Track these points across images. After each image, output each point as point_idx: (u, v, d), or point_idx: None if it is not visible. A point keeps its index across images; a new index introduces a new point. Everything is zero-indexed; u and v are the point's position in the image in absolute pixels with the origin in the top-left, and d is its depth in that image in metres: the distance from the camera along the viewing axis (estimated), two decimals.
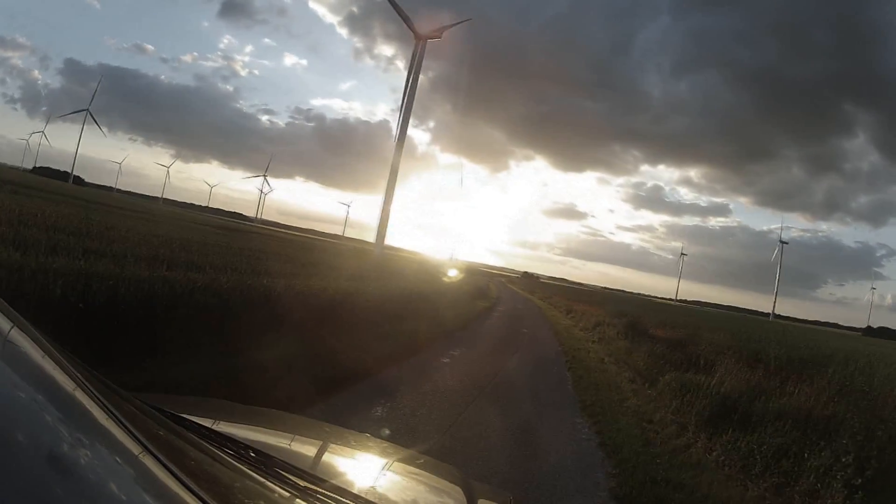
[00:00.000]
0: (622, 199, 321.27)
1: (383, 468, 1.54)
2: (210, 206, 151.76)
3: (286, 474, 0.98)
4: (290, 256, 17.13)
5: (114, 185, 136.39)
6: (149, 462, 0.63)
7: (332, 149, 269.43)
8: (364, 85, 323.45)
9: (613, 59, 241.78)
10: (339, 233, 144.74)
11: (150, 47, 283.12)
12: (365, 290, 10.69)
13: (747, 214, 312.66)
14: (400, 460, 1.67)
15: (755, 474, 5.10)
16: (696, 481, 4.86)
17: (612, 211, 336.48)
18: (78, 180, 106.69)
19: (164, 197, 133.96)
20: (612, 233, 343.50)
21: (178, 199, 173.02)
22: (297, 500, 0.93)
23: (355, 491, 1.14)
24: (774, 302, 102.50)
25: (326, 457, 1.52)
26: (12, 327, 0.67)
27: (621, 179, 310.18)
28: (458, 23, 27.96)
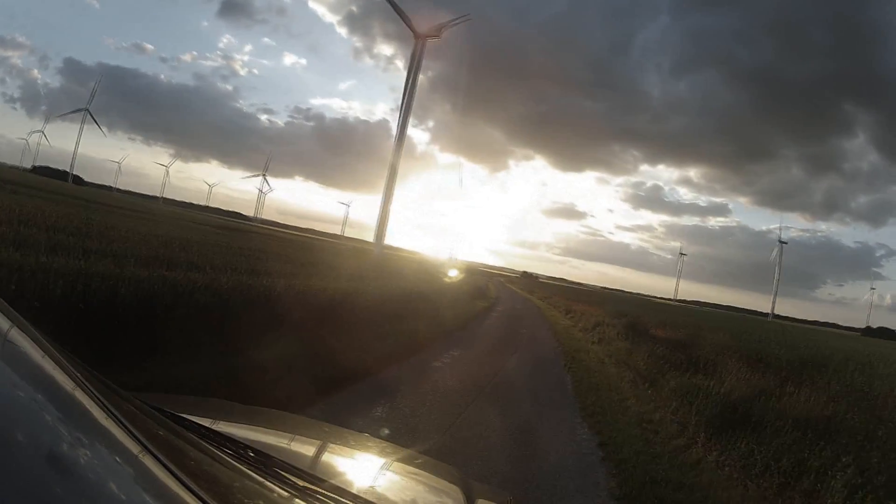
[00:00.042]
0: (621, 198, 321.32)
1: (382, 468, 1.54)
2: (209, 205, 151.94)
3: (285, 474, 0.98)
4: (290, 256, 17.13)
5: (113, 185, 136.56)
6: (148, 462, 0.64)
7: (331, 148, 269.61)
8: (363, 84, 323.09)
9: (613, 58, 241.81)
10: (339, 232, 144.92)
11: (149, 47, 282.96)
12: (364, 290, 10.69)
13: (746, 214, 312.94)
14: (399, 460, 1.67)
15: (755, 474, 5.03)
16: (697, 481, 4.84)
17: (611, 211, 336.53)
18: (77, 180, 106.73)
19: (163, 196, 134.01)
20: (611, 232, 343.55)
21: (178, 199, 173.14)
22: (297, 499, 0.94)
23: (354, 491, 1.14)
24: (773, 302, 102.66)
25: (325, 456, 1.52)
26: (12, 327, 0.67)
27: (620, 179, 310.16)
28: (457, 20, 27.95)
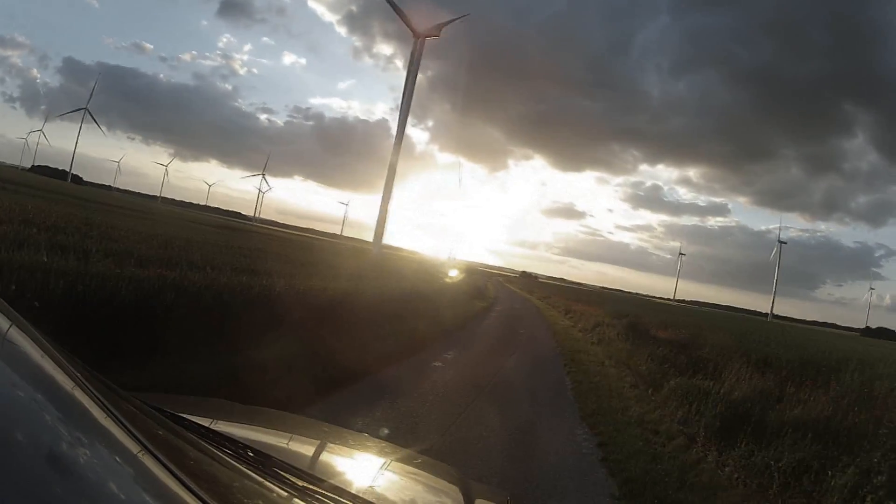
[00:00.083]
0: (621, 198, 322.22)
1: (381, 468, 1.54)
2: (209, 205, 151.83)
3: (285, 474, 0.98)
4: (289, 256, 17.11)
5: (112, 184, 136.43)
6: (148, 461, 0.64)
7: (330, 148, 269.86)
8: (363, 84, 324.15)
9: (612, 58, 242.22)
10: (338, 232, 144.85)
11: (148, 46, 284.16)
12: (363, 290, 10.68)
13: (746, 214, 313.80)
14: (398, 460, 1.67)
15: (773, 493, 4.72)
16: (697, 481, 4.76)
17: (610, 210, 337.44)
18: (76, 179, 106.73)
19: (162, 196, 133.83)
20: (610, 232, 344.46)
21: (177, 198, 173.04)
22: (296, 499, 0.94)
23: (353, 490, 1.14)
24: (773, 302, 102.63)
25: (325, 456, 1.52)
26: (12, 327, 0.67)
27: (620, 179, 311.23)
28: (457, 18, 27.89)
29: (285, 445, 1.50)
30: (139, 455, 0.64)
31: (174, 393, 3.73)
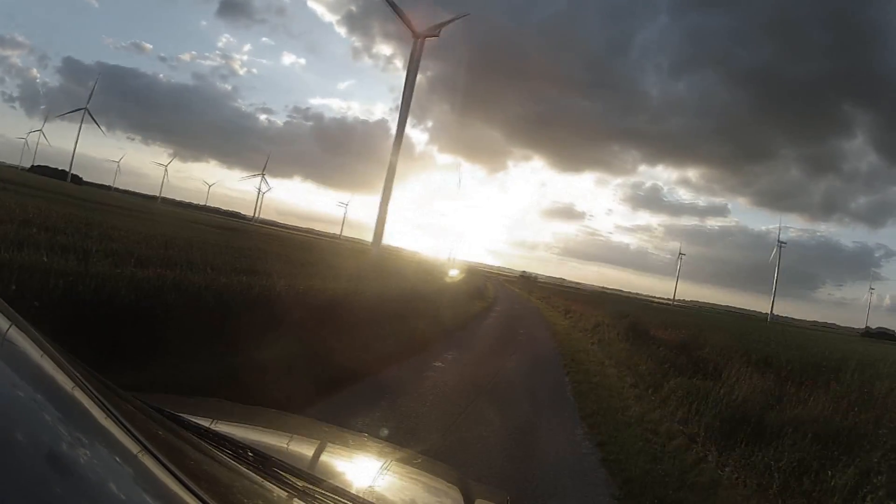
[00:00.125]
0: (620, 199, 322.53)
1: (381, 468, 1.54)
2: (208, 205, 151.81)
3: (284, 474, 0.98)
4: (289, 256, 17.13)
5: (112, 184, 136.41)
6: (148, 462, 0.64)
7: (330, 148, 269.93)
8: (362, 84, 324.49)
9: (611, 58, 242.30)
10: (338, 232, 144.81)
11: (148, 46, 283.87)
12: (363, 291, 10.68)
13: (745, 215, 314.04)
14: (398, 460, 1.67)
15: (774, 493, 4.70)
16: (697, 480, 4.75)
17: (610, 211, 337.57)
18: (76, 179, 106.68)
19: (162, 196, 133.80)
20: (610, 233, 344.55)
21: (177, 199, 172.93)
22: (296, 500, 0.94)
23: (353, 491, 1.14)
24: (773, 303, 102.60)
25: (324, 457, 1.52)
26: (12, 327, 0.67)
27: (619, 180, 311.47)
28: (456, 18, 27.89)
29: (285, 446, 1.50)
30: (139, 455, 0.64)
31: (174, 393, 3.74)
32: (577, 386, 8.41)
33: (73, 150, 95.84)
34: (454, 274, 29.57)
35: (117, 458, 0.62)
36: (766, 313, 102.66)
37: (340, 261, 19.55)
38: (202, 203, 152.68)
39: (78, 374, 0.68)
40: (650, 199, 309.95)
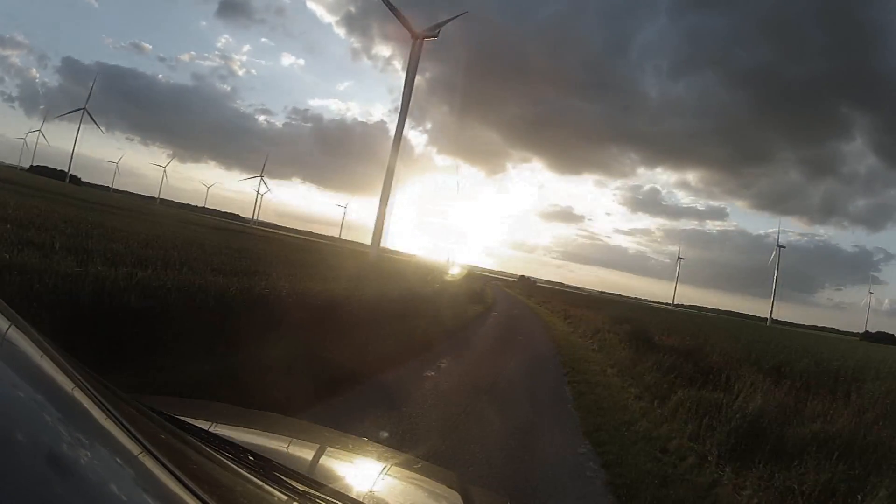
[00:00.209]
0: (619, 202, 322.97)
1: (381, 472, 1.54)
2: (207, 206, 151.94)
3: (285, 478, 0.97)
4: (288, 258, 17.15)
5: (110, 185, 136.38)
6: (149, 463, 0.63)
7: (329, 150, 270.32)
8: (361, 85, 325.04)
9: (611, 60, 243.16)
10: (336, 234, 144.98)
11: (147, 46, 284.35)
12: (360, 295, 10.68)
13: (744, 218, 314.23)
14: (398, 465, 1.67)
15: (776, 498, 4.41)
16: None
17: (609, 214, 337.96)
18: (74, 180, 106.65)
19: (160, 197, 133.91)
20: (608, 236, 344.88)
21: (175, 200, 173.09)
22: (296, 503, 0.93)
23: (353, 495, 1.13)
24: (772, 306, 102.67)
25: (325, 461, 1.51)
26: (12, 327, 0.67)
27: (618, 182, 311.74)
28: (455, 17, 28.02)
29: (285, 449, 1.49)
30: (140, 457, 0.63)
31: (174, 392, 3.73)
32: (579, 398, 7.95)
33: (72, 150, 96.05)
34: (453, 277, 29.58)
35: (118, 460, 0.61)
36: (765, 317, 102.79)
37: (339, 263, 19.56)
38: (201, 204, 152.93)
39: (78, 375, 0.68)
40: (649, 202, 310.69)
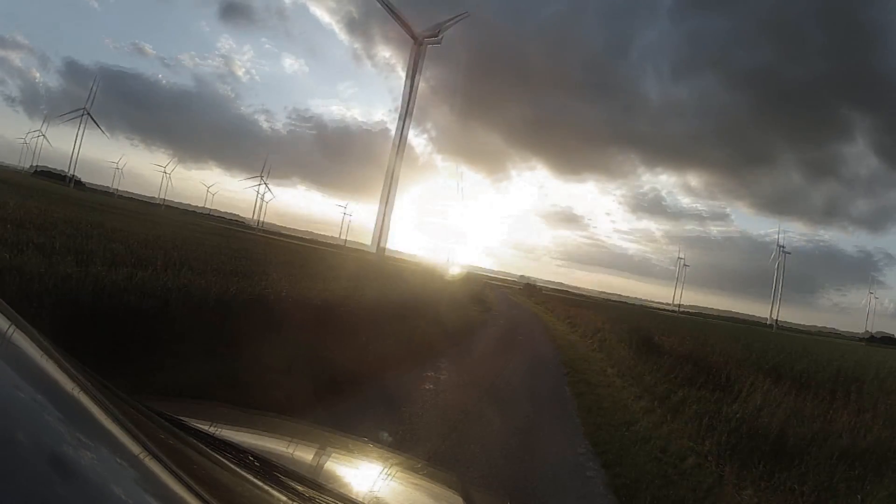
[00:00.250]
0: (621, 204, 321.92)
1: (383, 474, 1.53)
2: (209, 209, 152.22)
3: (286, 479, 0.97)
4: (289, 260, 17.18)
5: (112, 187, 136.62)
6: (150, 464, 0.63)
7: (330, 153, 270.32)
8: (363, 89, 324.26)
9: (611, 62, 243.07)
10: (338, 236, 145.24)
11: (149, 48, 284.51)
12: (361, 294, 10.69)
13: (746, 221, 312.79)
14: (399, 466, 1.67)
15: (778, 500, 4.42)
16: None
17: (610, 215, 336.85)
18: (77, 183, 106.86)
19: (164, 200, 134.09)
20: (610, 238, 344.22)
21: (177, 202, 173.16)
22: None
23: (354, 496, 1.13)
24: (773, 309, 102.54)
25: (326, 462, 1.51)
26: (12, 327, 0.67)
27: (620, 185, 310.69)
28: (455, 18, 28.07)
29: (286, 451, 1.49)
30: (141, 458, 0.63)
31: (174, 393, 3.73)
32: (579, 399, 7.93)
33: (74, 152, 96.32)
34: (453, 278, 29.59)
35: (119, 461, 0.61)
36: (767, 318, 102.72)
37: (341, 265, 19.58)
38: (203, 207, 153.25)
39: (79, 376, 0.68)
40: (651, 205, 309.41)
